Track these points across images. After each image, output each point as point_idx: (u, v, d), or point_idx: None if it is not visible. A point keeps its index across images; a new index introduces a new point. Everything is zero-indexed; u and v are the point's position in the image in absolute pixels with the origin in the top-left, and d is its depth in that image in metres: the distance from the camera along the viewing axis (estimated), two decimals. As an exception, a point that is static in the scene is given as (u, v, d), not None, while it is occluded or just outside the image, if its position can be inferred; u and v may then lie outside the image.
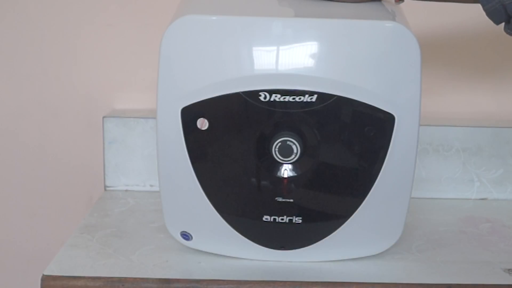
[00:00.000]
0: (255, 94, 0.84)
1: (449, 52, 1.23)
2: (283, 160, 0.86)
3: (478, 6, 0.80)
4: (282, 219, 0.90)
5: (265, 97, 0.84)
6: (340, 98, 0.84)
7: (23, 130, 1.26)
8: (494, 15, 0.79)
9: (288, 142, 0.86)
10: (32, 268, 1.26)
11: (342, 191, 0.89)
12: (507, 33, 0.80)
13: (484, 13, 0.80)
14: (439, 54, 1.22)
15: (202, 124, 0.87)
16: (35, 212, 1.29)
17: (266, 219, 0.90)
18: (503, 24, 0.81)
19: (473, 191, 1.21)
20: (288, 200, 0.89)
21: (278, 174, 0.88)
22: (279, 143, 0.86)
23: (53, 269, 0.89)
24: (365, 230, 0.91)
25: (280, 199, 0.89)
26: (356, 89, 0.84)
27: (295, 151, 0.86)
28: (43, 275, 0.88)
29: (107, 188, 1.21)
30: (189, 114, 0.86)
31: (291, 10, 0.88)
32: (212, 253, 0.94)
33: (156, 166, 0.91)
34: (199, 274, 0.89)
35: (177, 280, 0.88)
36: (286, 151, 0.86)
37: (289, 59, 0.84)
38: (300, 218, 0.90)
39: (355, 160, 0.88)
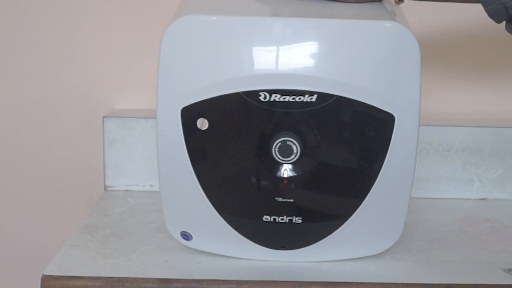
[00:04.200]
0: (255, 94, 0.84)
1: (449, 52, 1.23)
2: (283, 160, 0.86)
3: (479, 6, 0.80)
4: (282, 219, 0.90)
5: (265, 97, 0.84)
6: (340, 98, 0.84)
7: (23, 130, 1.26)
8: (496, 16, 0.80)
9: (288, 142, 0.86)
10: (32, 268, 1.26)
11: (342, 191, 0.89)
12: (509, 31, 0.81)
13: (484, 13, 0.80)
14: (439, 54, 1.22)
15: (202, 124, 0.86)
16: (35, 212, 1.29)
17: (266, 219, 0.90)
18: (504, 23, 0.81)
19: (473, 191, 1.21)
20: (288, 200, 0.89)
21: (278, 174, 0.88)
22: (279, 143, 0.86)
23: (53, 269, 0.89)
24: (365, 230, 0.91)
25: (280, 199, 0.89)
26: (356, 89, 0.84)
27: (295, 151, 0.86)
28: (43, 275, 0.88)
29: (107, 188, 1.21)
30: (189, 114, 0.86)
31: (291, 10, 0.88)
32: (212, 253, 0.94)
33: (156, 166, 0.91)
34: (199, 274, 0.89)
35: (177, 280, 0.88)
36: (286, 151, 0.86)
37: (289, 59, 0.84)
38: (300, 218, 0.90)
39: (355, 160, 0.88)
